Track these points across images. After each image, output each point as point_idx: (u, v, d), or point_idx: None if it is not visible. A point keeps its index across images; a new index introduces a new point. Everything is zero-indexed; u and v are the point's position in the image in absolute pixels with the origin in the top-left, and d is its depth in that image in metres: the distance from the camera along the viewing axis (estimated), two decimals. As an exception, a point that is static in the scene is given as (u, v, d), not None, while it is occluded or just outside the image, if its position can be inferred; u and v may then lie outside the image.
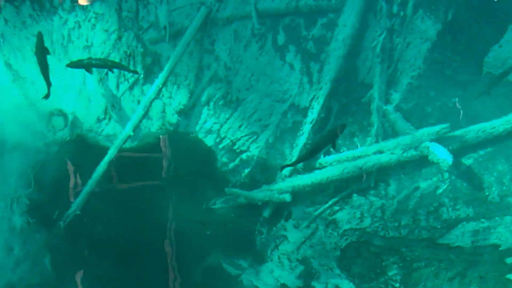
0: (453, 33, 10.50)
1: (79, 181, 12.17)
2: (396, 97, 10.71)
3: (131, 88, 12.12)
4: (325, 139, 9.16)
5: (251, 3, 11.29)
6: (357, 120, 11.01)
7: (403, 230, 10.68)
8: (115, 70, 11.75)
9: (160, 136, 12.07)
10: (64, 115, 12.43)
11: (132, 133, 11.51)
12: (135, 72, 11.19)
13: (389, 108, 10.61)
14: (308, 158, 10.06)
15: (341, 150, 11.04)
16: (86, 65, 9.84)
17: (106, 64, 10.25)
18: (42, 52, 9.72)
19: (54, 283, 12.12)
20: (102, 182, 11.86)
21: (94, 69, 11.78)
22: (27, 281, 12.04)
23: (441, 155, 9.80)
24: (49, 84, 10.02)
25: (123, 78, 12.12)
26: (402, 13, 10.64)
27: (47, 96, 10.12)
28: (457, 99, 10.47)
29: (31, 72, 12.31)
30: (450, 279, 10.58)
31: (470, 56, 10.47)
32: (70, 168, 12.26)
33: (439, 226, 10.51)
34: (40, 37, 9.67)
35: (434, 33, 10.53)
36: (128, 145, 11.89)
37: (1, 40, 12.41)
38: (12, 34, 12.38)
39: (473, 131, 10.17)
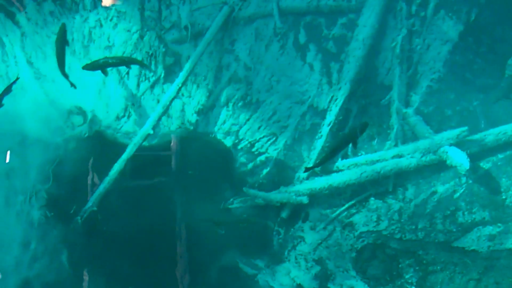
0: (475, 34, 10.57)
1: (96, 180, 12.34)
2: (415, 99, 10.80)
3: (152, 87, 12.29)
4: (347, 138, 9.22)
5: (273, 1, 11.40)
6: (376, 123, 11.10)
7: (420, 233, 10.76)
8: (135, 69, 11.95)
9: (172, 136, 12.20)
10: (83, 112, 12.62)
11: (151, 132, 11.66)
12: (149, 68, 11.30)
13: (409, 111, 10.69)
14: (330, 158, 10.12)
15: (359, 154, 11.11)
16: (103, 65, 9.97)
17: (122, 61, 10.41)
18: (62, 43, 9.83)
19: (71, 279, 12.27)
20: (120, 179, 11.98)
21: (114, 69, 12.03)
22: (43, 277, 12.20)
23: (459, 159, 9.90)
24: (65, 75, 10.18)
25: (143, 77, 12.30)
26: (422, 14, 10.71)
27: (73, 86, 10.31)
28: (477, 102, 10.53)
29: (51, 70, 12.51)
30: (465, 283, 10.62)
31: (492, 59, 10.54)
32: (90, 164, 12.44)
33: (455, 230, 10.58)
34: (63, 28, 9.79)
35: (456, 34, 10.61)
36: (147, 143, 12.00)
37: (23, 38, 12.63)
38: (34, 32, 12.60)
39: (492, 134, 10.25)
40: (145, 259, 12.22)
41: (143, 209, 12.21)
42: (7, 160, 12.53)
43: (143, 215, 12.12)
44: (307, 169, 10.35)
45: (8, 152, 12.55)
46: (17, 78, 10.46)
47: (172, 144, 12.33)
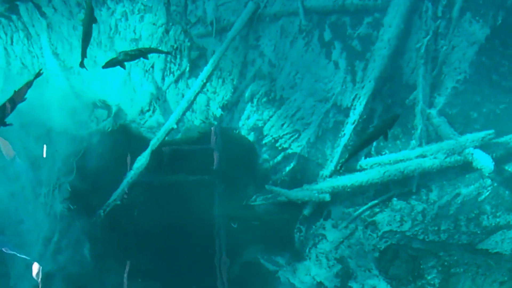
0: (502, 37, 10.57)
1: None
2: (440, 100, 10.85)
3: (176, 81, 12.47)
4: (378, 130, 9.27)
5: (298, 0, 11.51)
6: (401, 123, 11.14)
7: (443, 235, 10.85)
8: (160, 63, 12.12)
9: (212, 128, 12.34)
10: (107, 106, 12.82)
11: (175, 126, 11.84)
12: (169, 53, 11.36)
13: (433, 111, 10.75)
14: (361, 149, 10.21)
15: (383, 153, 11.19)
16: (122, 61, 10.06)
17: (141, 52, 10.45)
18: (89, 20, 9.82)
19: (92, 272, 12.50)
20: (145, 173, 12.16)
21: (139, 62, 12.20)
22: (65, 269, 12.44)
23: (483, 161, 10.01)
24: (84, 55, 10.13)
25: (168, 71, 12.48)
26: (448, 16, 10.73)
27: (81, 65, 10.25)
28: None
29: (77, 62, 12.69)
30: (488, 285, 10.68)
31: (519, 61, 10.56)
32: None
33: (479, 232, 10.64)
34: (89, 4, 9.84)
35: (482, 37, 10.63)
36: (170, 137, 12.18)
37: (49, 29, 12.84)
38: (60, 23, 12.81)
39: (518, 137, 10.27)
40: (168, 255, 12.46)
41: (170, 203, 12.41)
42: (44, 155, 12.79)
43: (180, 210, 12.33)
44: (342, 164, 10.52)
45: (45, 146, 12.81)
46: (40, 72, 10.59)
47: (212, 138, 12.46)
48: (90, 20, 9.80)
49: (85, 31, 9.91)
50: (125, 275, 12.49)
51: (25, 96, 10.12)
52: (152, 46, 12.33)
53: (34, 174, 12.87)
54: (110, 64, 10.02)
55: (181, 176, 12.59)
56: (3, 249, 12.73)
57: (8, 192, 12.78)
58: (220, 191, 12.47)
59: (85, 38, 9.98)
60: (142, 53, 10.37)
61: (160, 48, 12.19)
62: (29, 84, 10.25)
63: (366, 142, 9.59)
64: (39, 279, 12.51)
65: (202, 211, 12.35)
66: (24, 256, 12.70)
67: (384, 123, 9.25)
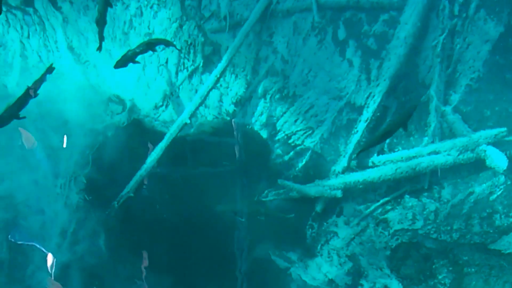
0: (516, 36, 10.56)
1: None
2: (455, 98, 10.86)
3: (190, 76, 12.59)
4: (398, 121, 9.29)
5: (312, -6, 11.58)
6: (415, 120, 11.16)
7: (455, 234, 10.87)
8: (174, 58, 12.25)
9: (233, 122, 12.45)
10: (122, 100, 12.99)
11: (188, 121, 11.99)
12: (174, 45, 11.44)
13: (448, 109, 10.78)
14: (382, 141, 10.31)
15: (396, 150, 11.22)
16: (132, 57, 10.22)
17: (148, 45, 10.55)
18: (104, 4, 9.93)
19: (107, 262, 12.71)
20: (159, 167, 12.34)
21: (153, 57, 12.34)
22: (81, 260, 12.66)
23: (496, 159, 10.06)
24: (101, 38, 10.22)
25: (182, 66, 12.59)
26: (464, 14, 10.71)
27: (99, 49, 10.33)
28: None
29: (93, 56, 12.92)
30: (501, 286, 10.70)
31: (534, 60, 10.53)
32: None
33: (491, 232, 10.64)
34: None
35: (496, 35, 10.61)
36: (183, 132, 12.32)
37: (65, 23, 13.02)
38: (76, 17, 12.97)
39: (533, 136, 10.29)
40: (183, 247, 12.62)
41: (187, 196, 12.58)
42: (64, 145, 13.01)
43: (186, 202, 12.51)
44: (358, 153, 10.64)
45: (65, 137, 13.01)
46: (52, 68, 10.76)
47: (234, 132, 12.56)
48: (105, 3, 9.91)
49: (100, 14, 10.01)
50: (143, 266, 12.69)
51: (38, 92, 10.31)
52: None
53: (52, 164, 13.10)
54: (121, 63, 10.22)
55: (203, 168, 12.74)
56: (21, 242, 12.98)
57: (29, 181, 13.02)
58: (242, 184, 12.59)
59: (100, 22, 10.10)
60: (149, 46, 10.52)
61: (173, 43, 12.33)
62: (41, 79, 10.44)
63: (385, 134, 9.60)
64: (52, 271, 12.74)
65: (219, 204, 12.51)
66: (41, 248, 12.93)
67: (402, 114, 9.33)
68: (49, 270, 12.77)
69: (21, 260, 13.13)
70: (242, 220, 12.03)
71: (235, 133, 12.51)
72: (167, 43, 11.39)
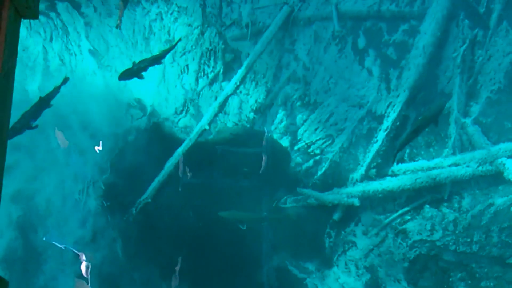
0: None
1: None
2: (475, 110, 11.03)
3: (210, 83, 12.85)
4: (429, 116, 9.55)
5: (332, 3, 11.80)
6: (435, 131, 11.36)
7: (475, 246, 10.97)
8: (194, 64, 12.53)
9: (264, 136, 12.63)
10: (142, 105, 13.25)
11: (207, 127, 12.25)
12: (178, 41, 11.71)
13: (468, 120, 10.94)
14: (413, 138, 10.29)
15: (416, 159, 11.37)
16: (137, 71, 10.65)
17: (153, 60, 11.00)
18: None
19: (124, 268, 12.88)
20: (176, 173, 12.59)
21: (174, 63, 12.62)
22: (99, 265, 12.85)
23: (515, 172, 10.12)
24: (121, 15, 10.66)
25: (202, 72, 12.85)
26: (484, 25, 10.88)
27: (117, 27, 10.82)
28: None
29: (113, 61, 13.21)
30: (518, 301, 10.78)
31: (554, 72, 10.68)
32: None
33: (511, 243, 10.73)
34: None
35: (518, 47, 10.79)
36: (203, 138, 12.56)
37: (87, 28, 13.35)
38: (98, 22, 13.31)
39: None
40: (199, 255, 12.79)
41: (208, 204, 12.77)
42: (100, 148, 13.26)
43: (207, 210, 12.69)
44: (396, 153, 10.48)
45: (100, 143, 13.27)
46: (67, 79, 11.06)
47: (263, 142, 12.73)
48: None
49: None
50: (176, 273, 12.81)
51: (51, 102, 10.59)
52: (186, 48, 12.77)
53: (83, 166, 13.32)
54: (125, 75, 10.66)
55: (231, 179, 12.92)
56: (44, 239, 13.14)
57: (57, 181, 13.24)
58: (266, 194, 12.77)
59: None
60: (155, 60, 10.96)
61: (194, 50, 12.61)
62: (56, 90, 10.72)
63: (417, 129, 9.71)
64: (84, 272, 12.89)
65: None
66: (72, 249, 13.09)
67: (433, 109, 9.61)
68: (83, 272, 12.92)
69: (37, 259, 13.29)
70: (243, 228, 12.15)
71: (265, 145, 12.63)
72: (172, 48, 11.66)
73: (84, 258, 12.88)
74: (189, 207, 12.86)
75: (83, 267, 12.87)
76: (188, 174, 12.68)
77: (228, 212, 12.08)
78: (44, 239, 12.94)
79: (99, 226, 13.10)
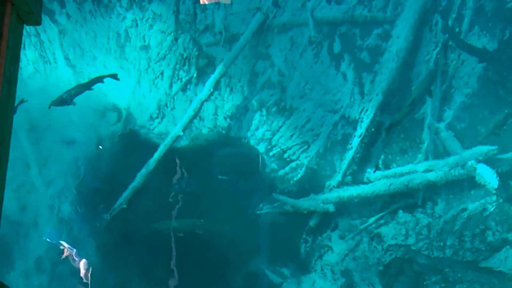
0: (509, 52, 10.88)
1: None
2: (449, 114, 11.17)
3: (183, 89, 12.93)
4: (423, 88, 10.07)
5: (308, 10, 11.96)
6: (410, 137, 11.57)
7: (448, 250, 11.16)
8: (169, 70, 12.64)
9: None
10: (118, 110, 13.32)
11: (181, 133, 12.36)
12: (111, 76, 11.94)
13: (441, 125, 11.11)
14: (410, 112, 10.69)
15: (391, 167, 11.54)
16: (67, 99, 11.12)
17: (84, 86, 11.47)
18: None
19: (99, 273, 12.92)
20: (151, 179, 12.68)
21: (149, 69, 12.74)
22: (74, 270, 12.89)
23: (488, 177, 10.32)
24: None
25: (176, 78, 12.95)
26: (457, 29, 11.07)
27: None
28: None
29: (88, 68, 13.28)
30: (491, 304, 10.93)
31: (525, 78, 10.87)
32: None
33: (483, 249, 10.94)
34: None
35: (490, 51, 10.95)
36: (178, 145, 12.67)
37: (62, 35, 13.43)
38: (73, 29, 13.40)
39: (524, 154, 10.58)
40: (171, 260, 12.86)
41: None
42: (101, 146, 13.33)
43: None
44: (392, 127, 10.83)
45: (100, 147, 13.33)
46: (24, 100, 11.30)
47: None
48: None
49: None
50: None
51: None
52: (160, 54, 12.90)
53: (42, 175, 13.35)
54: (57, 102, 11.14)
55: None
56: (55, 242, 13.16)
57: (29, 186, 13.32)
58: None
59: None
60: (85, 87, 11.43)
61: (168, 56, 12.73)
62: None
63: (413, 102, 10.22)
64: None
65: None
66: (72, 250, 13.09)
67: (424, 81, 10.18)
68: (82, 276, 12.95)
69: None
70: (180, 235, 12.29)
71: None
72: (104, 77, 11.90)
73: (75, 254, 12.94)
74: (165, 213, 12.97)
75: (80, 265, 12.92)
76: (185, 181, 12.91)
77: (161, 223, 12.31)
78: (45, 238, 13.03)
79: (73, 232, 13.12)
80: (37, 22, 3.71)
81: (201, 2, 12.72)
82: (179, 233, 12.35)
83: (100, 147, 13.24)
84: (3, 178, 3.41)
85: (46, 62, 13.74)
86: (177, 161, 12.95)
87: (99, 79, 11.88)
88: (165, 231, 12.46)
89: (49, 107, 11.11)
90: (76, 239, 13.10)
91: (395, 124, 10.68)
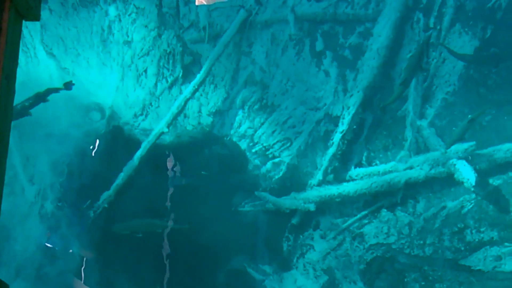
0: (490, 50, 10.98)
1: None
2: (430, 112, 11.26)
3: (169, 87, 13.00)
4: (414, 63, 10.35)
5: (289, 6, 12.10)
6: (392, 134, 11.67)
7: (428, 249, 11.26)
8: (153, 68, 12.72)
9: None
10: (101, 108, 13.36)
11: (166, 130, 12.42)
12: (62, 88, 12.06)
13: (423, 123, 11.20)
14: (403, 91, 10.90)
15: (374, 164, 11.64)
16: (22, 110, 11.18)
17: (38, 97, 11.55)
18: None
19: (80, 270, 12.97)
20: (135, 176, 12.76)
21: (132, 66, 12.80)
22: (57, 268, 12.92)
23: (466, 174, 10.42)
24: None
25: (161, 76, 13.01)
26: (438, 27, 11.17)
27: None
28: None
29: (71, 63, 13.32)
30: (470, 302, 11.03)
31: (506, 75, 10.97)
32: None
33: (462, 248, 11.06)
34: None
35: (471, 49, 11.08)
36: (162, 142, 12.76)
37: (43, 30, 13.44)
38: (56, 24, 13.41)
39: (501, 150, 10.70)
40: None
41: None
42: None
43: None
44: (388, 104, 11.12)
45: (97, 141, 13.37)
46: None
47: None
48: None
49: None
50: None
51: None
52: (144, 49, 12.96)
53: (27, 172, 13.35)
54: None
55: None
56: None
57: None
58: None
59: None
60: (40, 98, 11.53)
61: (152, 52, 12.80)
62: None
63: (406, 81, 10.46)
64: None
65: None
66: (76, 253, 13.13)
67: (414, 56, 10.34)
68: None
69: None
70: (139, 236, 12.36)
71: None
72: (57, 90, 12.00)
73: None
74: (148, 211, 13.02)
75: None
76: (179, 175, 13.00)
77: (119, 225, 12.38)
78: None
79: (56, 229, 13.16)
80: (36, 17, 3.71)
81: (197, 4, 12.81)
82: (138, 234, 12.41)
83: (91, 147, 13.28)
84: (2, 174, 3.46)
85: (28, 57, 13.74)
86: (172, 158, 13.07)
87: (55, 90, 11.95)
88: (123, 232, 12.52)
89: None
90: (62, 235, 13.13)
91: (390, 103, 10.87)
